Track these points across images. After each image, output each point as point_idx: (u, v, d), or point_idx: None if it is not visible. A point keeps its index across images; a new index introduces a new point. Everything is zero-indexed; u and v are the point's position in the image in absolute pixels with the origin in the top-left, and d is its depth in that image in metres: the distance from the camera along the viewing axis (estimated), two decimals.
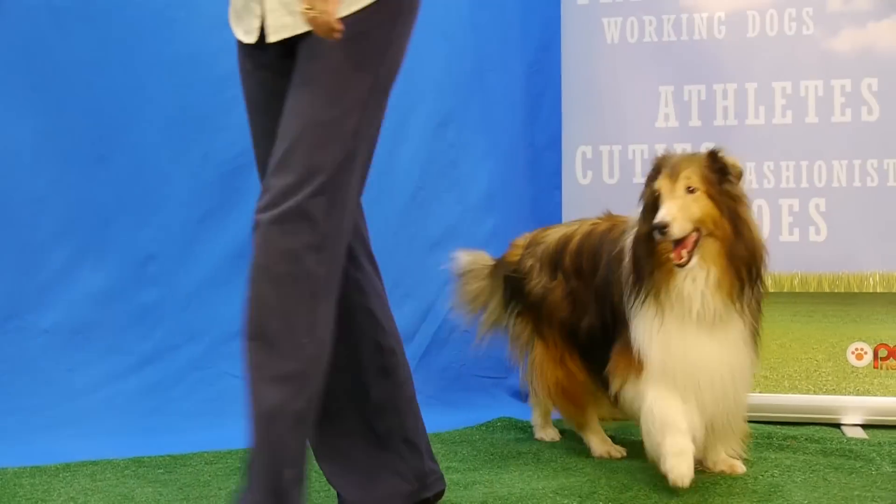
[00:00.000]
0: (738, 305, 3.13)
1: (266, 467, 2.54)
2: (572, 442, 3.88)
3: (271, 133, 2.61)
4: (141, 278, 4.61)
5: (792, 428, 4.04)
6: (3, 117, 4.49)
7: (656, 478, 3.29)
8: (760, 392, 4.18)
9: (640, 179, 4.21)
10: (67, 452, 3.77)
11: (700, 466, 3.36)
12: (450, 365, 4.71)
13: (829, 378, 4.21)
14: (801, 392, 4.22)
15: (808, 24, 4.15)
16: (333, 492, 2.95)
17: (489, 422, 4.18)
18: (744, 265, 3.12)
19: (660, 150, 4.18)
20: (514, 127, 4.91)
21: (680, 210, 3.06)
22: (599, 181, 4.34)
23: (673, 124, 4.28)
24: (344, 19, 2.47)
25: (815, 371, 4.23)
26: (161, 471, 3.58)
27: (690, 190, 3.08)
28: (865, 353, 4.20)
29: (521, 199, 4.90)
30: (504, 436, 4.04)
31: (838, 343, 4.22)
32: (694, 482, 3.20)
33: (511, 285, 3.83)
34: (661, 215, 3.05)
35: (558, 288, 3.66)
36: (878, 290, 4.10)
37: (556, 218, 4.43)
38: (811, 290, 4.16)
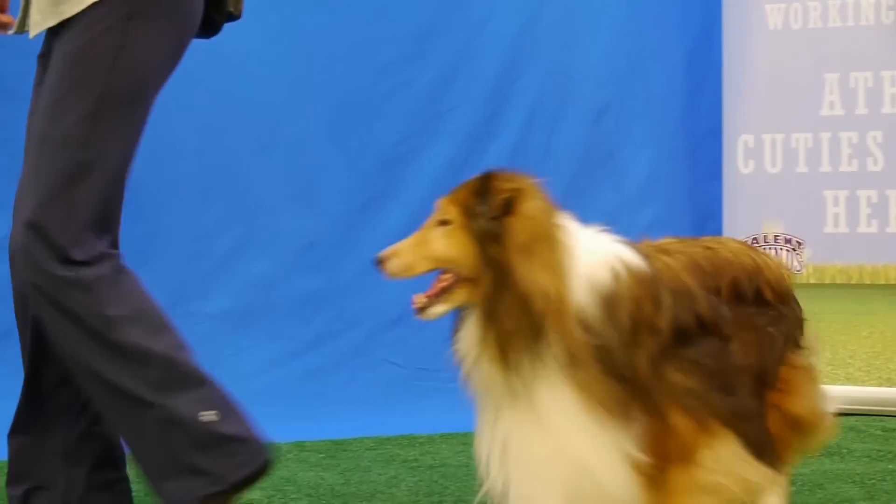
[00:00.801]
0: (515, 375, 2.27)
1: None
2: None
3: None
4: (302, 266, 4.69)
5: None
6: (169, 111, 4.60)
7: None
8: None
9: (803, 169, 4.15)
10: None
11: None
12: None
13: None
14: None
15: None
16: None
17: None
18: (514, 324, 2.26)
19: (825, 139, 4.16)
20: (673, 115, 4.86)
21: (414, 244, 2.35)
22: (762, 170, 4.27)
23: (839, 112, 4.18)
24: (62, 26, 2.41)
25: None
26: (322, 455, 3.63)
27: (443, 222, 2.34)
28: None
29: (680, 188, 4.85)
30: None
31: None
32: None
33: None
34: (386, 248, 2.38)
35: None
36: None
37: (715, 207, 4.38)
38: None
